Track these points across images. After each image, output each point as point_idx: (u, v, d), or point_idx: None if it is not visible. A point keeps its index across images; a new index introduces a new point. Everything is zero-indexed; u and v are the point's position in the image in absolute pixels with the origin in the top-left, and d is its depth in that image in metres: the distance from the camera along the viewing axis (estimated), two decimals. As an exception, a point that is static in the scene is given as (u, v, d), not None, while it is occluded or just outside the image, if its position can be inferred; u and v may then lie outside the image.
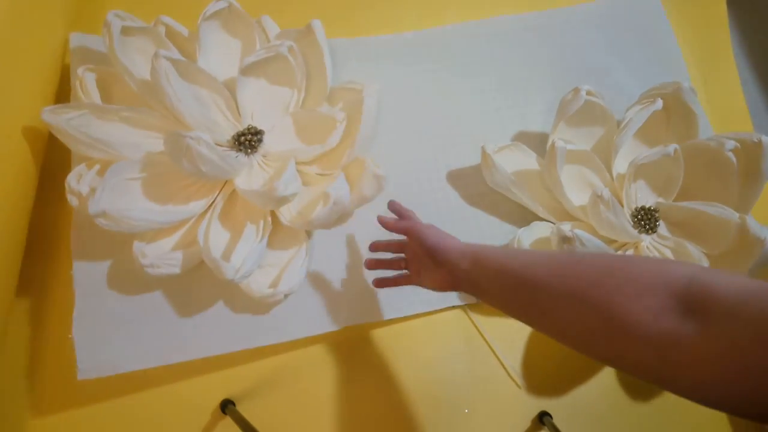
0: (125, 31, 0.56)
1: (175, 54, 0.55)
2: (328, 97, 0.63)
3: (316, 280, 0.59)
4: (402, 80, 0.70)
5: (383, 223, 0.50)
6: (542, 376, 0.59)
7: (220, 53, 0.62)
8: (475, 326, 0.60)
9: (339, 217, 0.56)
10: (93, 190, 0.49)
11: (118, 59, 0.54)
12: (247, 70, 0.58)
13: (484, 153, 0.61)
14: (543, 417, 0.57)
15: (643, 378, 0.28)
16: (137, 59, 0.56)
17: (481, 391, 0.59)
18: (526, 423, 0.58)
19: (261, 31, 0.64)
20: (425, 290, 0.59)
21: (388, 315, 0.59)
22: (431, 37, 0.72)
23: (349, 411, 0.57)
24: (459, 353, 0.60)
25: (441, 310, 0.61)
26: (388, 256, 0.54)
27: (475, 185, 0.65)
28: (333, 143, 0.57)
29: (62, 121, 0.51)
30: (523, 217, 0.63)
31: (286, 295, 0.54)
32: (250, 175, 0.57)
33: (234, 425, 0.52)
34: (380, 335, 0.60)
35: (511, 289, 0.39)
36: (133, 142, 0.54)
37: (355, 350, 0.59)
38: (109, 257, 0.56)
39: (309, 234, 0.60)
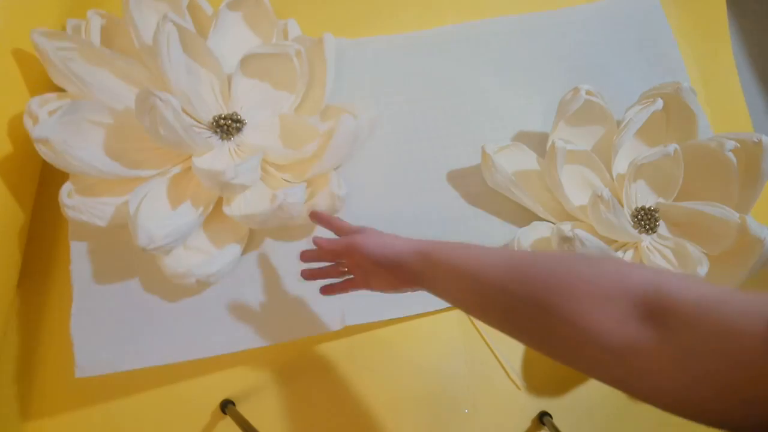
0: None
1: (186, 23, 0.54)
2: (324, 112, 0.63)
3: (316, 282, 0.59)
4: (402, 80, 0.70)
5: (319, 245, 0.47)
6: (542, 376, 0.59)
7: (233, 42, 0.61)
8: (475, 326, 0.60)
9: (284, 223, 0.55)
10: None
11: (131, 14, 0.53)
12: (248, 60, 0.58)
13: (484, 153, 0.60)
14: (543, 417, 0.57)
15: (604, 382, 0.28)
16: (149, 20, 0.55)
17: (481, 391, 0.58)
18: (527, 423, 0.58)
19: (281, 33, 0.65)
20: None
21: (388, 315, 0.59)
22: (432, 37, 0.72)
23: (349, 411, 0.57)
24: (459, 353, 0.60)
25: (441, 311, 0.61)
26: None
27: (475, 185, 0.65)
28: (306, 153, 0.57)
29: (50, 46, 0.51)
30: (523, 217, 0.63)
31: (198, 281, 0.52)
32: (216, 158, 0.56)
33: (234, 425, 0.52)
34: (380, 335, 0.59)
35: (468, 291, 0.37)
36: (113, 91, 0.54)
37: (355, 350, 0.59)
38: (108, 257, 0.56)
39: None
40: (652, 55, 0.74)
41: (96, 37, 0.57)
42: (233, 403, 0.55)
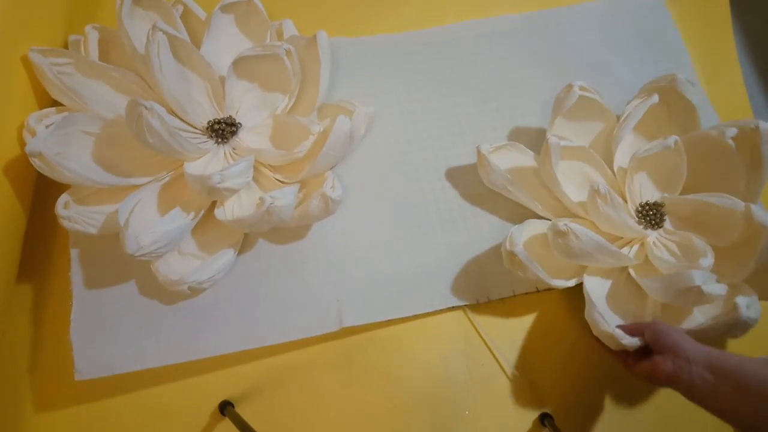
0: (137, 0, 0.58)
1: (180, 32, 0.56)
2: (320, 111, 0.64)
3: (316, 280, 0.59)
4: (401, 79, 0.71)
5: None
6: (543, 377, 0.58)
7: (227, 46, 0.63)
8: (475, 327, 0.59)
9: (275, 226, 0.55)
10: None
11: (123, 25, 0.55)
12: (239, 63, 0.59)
13: (479, 153, 0.60)
14: (544, 419, 0.56)
15: None
16: (142, 30, 0.57)
17: (482, 392, 0.57)
18: (527, 424, 0.56)
19: (275, 34, 0.66)
20: (425, 290, 0.60)
21: (385, 316, 0.58)
22: (431, 36, 0.74)
23: (349, 412, 0.57)
24: (459, 354, 0.59)
25: (441, 311, 0.60)
26: None
27: (474, 185, 0.65)
28: (299, 153, 0.57)
29: (45, 62, 0.54)
30: (523, 215, 0.62)
31: (190, 288, 0.53)
32: (211, 162, 0.57)
33: (233, 427, 0.52)
34: (380, 336, 0.59)
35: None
36: (109, 102, 0.56)
37: (354, 351, 0.59)
38: (107, 263, 0.57)
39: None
40: (656, 51, 0.74)
41: (94, 51, 0.59)
42: (232, 405, 0.55)
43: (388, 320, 0.59)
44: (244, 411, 0.55)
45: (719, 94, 0.73)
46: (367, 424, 0.56)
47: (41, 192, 0.60)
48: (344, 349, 0.59)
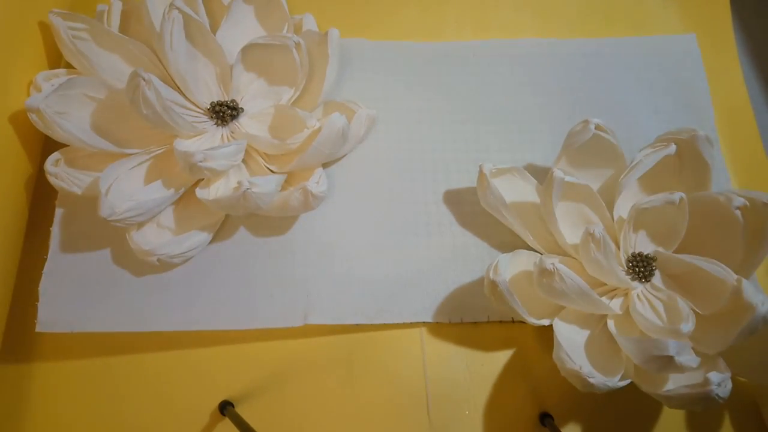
0: None
1: (199, 14, 0.56)
2: (325, 108, 0.63)
3: (289, 274, 0.59)
4: (416, 90, 0.69)
5: None
6: (543, 377, 0.58)
7: (243, 35, 0.62)
8: (422, 350, 0.59)
9: (252, 212, 0.55)
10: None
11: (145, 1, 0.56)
12: (248, 49, 0.59)
13: (481, 172, 0.59)
14: (544, 418, 0.56)
15: None
16: (161, 5, 0.56)
17: (482, 392, 0.57)
18: (527, 424, 0.56)
19: (293, 28, 0.65)
20: (398, 301, 0.59)
21: (354, 320, 0.58)
22: (452, 49, 0.71)
23: (349, 412, 0.56)
24: (459, 354, 0.59)
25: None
26: None
27: (470, 204, 0.63)
28: (292, 145, 0.56)
29: (62, 25, 0.54)
30: (514, 244, 0.61)
31: (160, 261, 0.53)
32: (207, 142, 0.57)
33: (233, 427, 0.51)
34: (380, 336, 0.59)
35: None
36: (118, 71, 0.56)
37: (354, 351, 0.58)
38: (89, 223, 0.57)
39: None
40: (680, 101, 0.71)
41: (115, 21, 0.59)
42: (232, 405, 0.55)
43: (389, 322, 0.58)
44: (244, 411, 0.54)
45: (720, 94, 0.72)
46: (367, 424, 0.56)
47: (50, 149, 0.58)
48: (344, 349, 0.58)
